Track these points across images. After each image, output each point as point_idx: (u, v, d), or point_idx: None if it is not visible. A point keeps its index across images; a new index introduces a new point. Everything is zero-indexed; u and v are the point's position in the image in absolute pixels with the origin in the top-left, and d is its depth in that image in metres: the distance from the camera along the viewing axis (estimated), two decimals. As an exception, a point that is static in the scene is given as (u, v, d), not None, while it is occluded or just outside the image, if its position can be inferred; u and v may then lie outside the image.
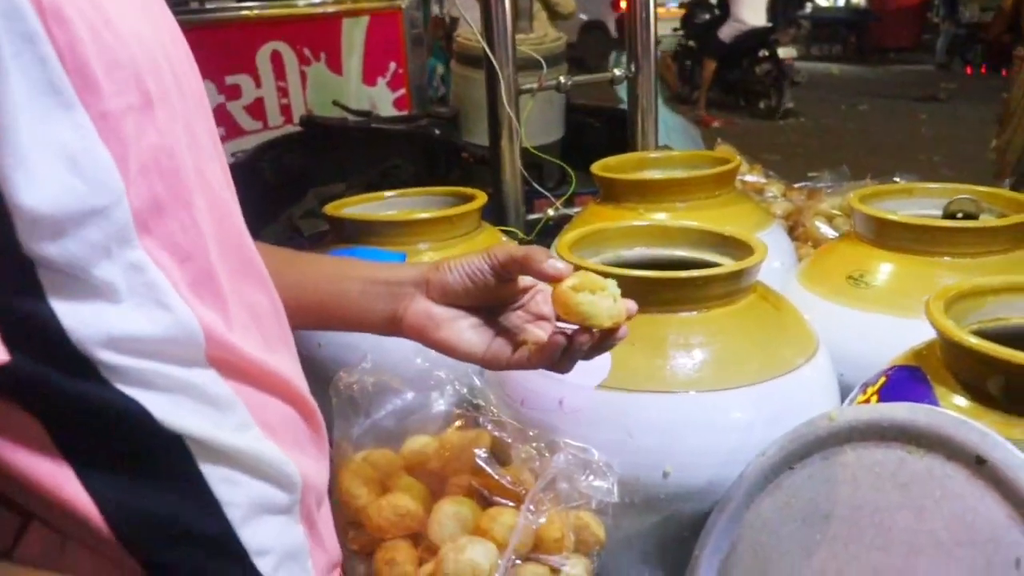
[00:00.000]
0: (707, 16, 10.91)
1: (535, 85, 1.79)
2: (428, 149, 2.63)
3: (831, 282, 1.16)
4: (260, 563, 0.57)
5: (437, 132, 2.64)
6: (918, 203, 1.26)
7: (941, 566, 0.68)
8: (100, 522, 0.49)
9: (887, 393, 0.83)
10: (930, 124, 9.27)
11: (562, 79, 1.85)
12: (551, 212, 1.83)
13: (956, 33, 14.44)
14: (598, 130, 2.80)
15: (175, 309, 0.49)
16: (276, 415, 0.59)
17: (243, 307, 0.56)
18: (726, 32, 9.73)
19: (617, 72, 1.90)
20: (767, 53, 9.72)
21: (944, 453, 0.71)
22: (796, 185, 1.98)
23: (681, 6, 13.51)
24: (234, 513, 0.55)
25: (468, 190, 1.34)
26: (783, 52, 9.68)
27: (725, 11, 9.93)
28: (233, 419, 0.54)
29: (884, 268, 1.12)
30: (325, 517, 0.70)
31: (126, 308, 0.46)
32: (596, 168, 1.42)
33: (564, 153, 2.43)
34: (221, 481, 0.54)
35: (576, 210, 1.73)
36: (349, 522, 0.90)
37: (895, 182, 1.63)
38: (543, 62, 1.85)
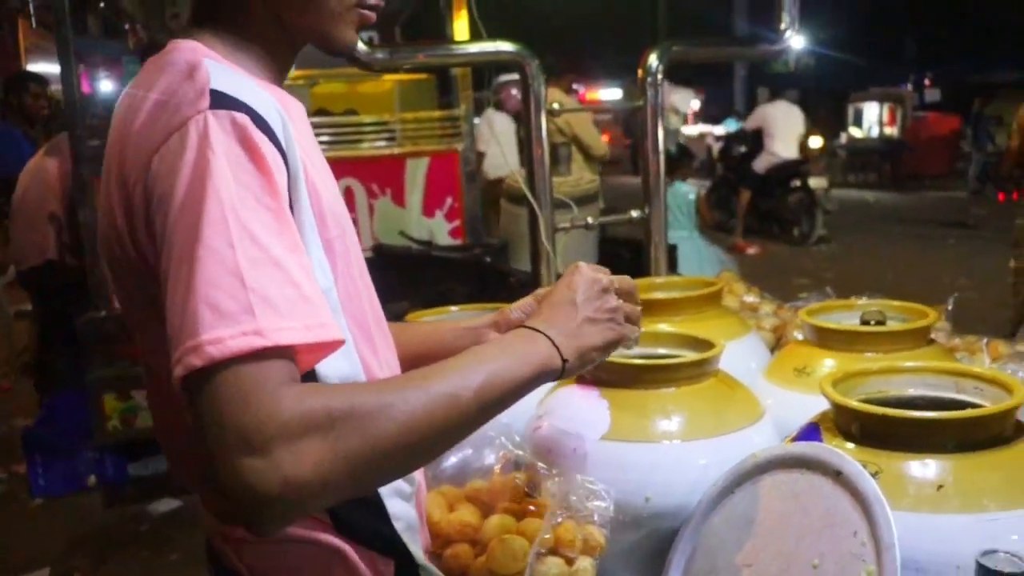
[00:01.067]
0: (742, 149, 11.42)
1: (568, 224, 2.23)
2: (480, 273, 3.09)
3: (784, 374, 1.56)
4: (396, 524, 0.99)
5: (488, 259, 3.10)
6: (855, 315, 1.65)
7: (816, 543, 1.04)
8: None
9: (797, 439, 1.21)
10: (957, 248, 9.61)
11: (590, 219, 2.30)
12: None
13: (987, 161, 14.86)
14: (626, 258, 3.25)
15: (353, 359, 0.92)
16: None
17: (384, 359, 0.99)
18: (760, 164, 10.20)
19: (634, 214, 2.34)
20: (799, 183, 10.16)
21: (820, 471, 1.09)
22: (786, 305, 2.37)
23: (718, 139, 14.19)
24: (383, 491, 0.97)
25: (513, 306, 1.76)
26: (814, 182, 10.10)
27: (759, 144, 10.41)
28: None
29: (821, 362, 1.51)
30: (423, 514, 1.11)
31: (333, 357, 0.89)
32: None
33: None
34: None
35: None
36: (428, 533, 1.29)
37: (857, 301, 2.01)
38: (573, 205, 2.31)
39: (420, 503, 1.11)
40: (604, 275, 1.08)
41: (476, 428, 0.93)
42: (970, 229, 10.98)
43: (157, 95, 0.87)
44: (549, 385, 1.49)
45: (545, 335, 1.00)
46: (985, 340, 1.81)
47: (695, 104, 19.69)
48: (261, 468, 0.72)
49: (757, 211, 10.56)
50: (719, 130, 17.45)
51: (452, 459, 1.37)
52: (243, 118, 0.83)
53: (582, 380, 1.41)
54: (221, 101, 0.83)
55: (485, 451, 1.38)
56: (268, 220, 0.80)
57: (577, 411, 1.36)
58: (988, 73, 19.18)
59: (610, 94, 20.87)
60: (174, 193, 0.80)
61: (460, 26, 3.68)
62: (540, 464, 1.29)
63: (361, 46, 1.88)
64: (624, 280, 1.10)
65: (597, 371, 1.39)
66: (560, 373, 1.01)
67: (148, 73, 0.92)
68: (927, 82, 22.77)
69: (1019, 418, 1.14)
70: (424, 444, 0.84)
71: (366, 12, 1.00)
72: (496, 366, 0.93)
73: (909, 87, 21.88)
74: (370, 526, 0.98)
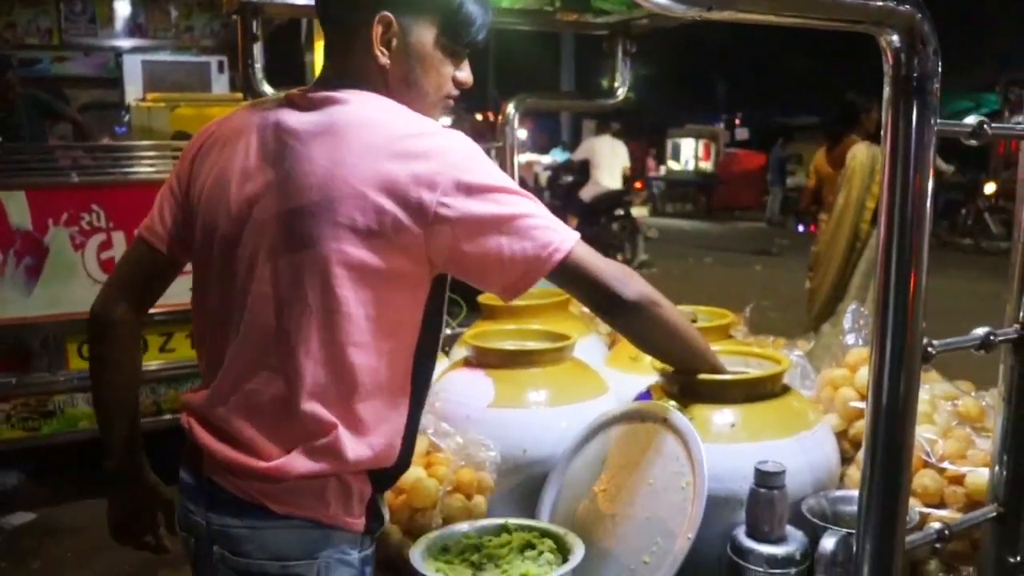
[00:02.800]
0: (569, 178, 12.05)
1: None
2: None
3: (621, 361, 2.00)
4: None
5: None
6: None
7: (650, 468, 1.47)
8: None
9: (635, 400, 1.64)
10: (763, 274, 10.62)
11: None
12: (448, 330, 2.62)
13: (785, 195, 16.33)
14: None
15: None
16: None
17: None
18: (586, 192, 10.84)
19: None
20: (622, 212, 10.89)
21: (652, 420, 1.51)
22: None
23: (546, 168, 14.87)
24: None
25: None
26: (636, 211, 10.85)
27: (585, 174, 11.03)
28: None
29: (650, 350, 1.96)
30: None
31: None
32: (481, 299, 2.23)
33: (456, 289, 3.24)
34: None
35: (463, 329, 2.52)
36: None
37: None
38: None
39: None
40: None
41: (682, 365, 1.54)
42: (774, 256, 12.13)
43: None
44: (444, 366, 1.87)
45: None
46: (772, 339, 2.32)
47: (522, 134, 20.46)
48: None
49: (583, 237, 11.12)
50: (546, 159, 18.19)
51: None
52: None
53: (468, 363, 1.80)
54: None
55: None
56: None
57: (468, 387, 1.74)
58: (790, 116, 21.00)
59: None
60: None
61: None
62: (444, 424, 1.66)
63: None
64: None
65: (480, 356, 1.78)
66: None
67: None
68: (737, 121, 24.61)
69: (785, 382, 1.62)
70: (681, 339, 1.48)
71: (450, 101, 1.42)
72: (709, 348, 1.57)
73: (721, 125, 23.60)
74: (390, 455, 1.33)
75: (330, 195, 1.23)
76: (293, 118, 1.30)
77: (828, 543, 1.29)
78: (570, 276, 1.32)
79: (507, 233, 1.26)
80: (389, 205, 1.22)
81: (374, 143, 1.24)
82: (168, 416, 3.97)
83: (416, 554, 1.40)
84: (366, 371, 1.28)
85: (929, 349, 1.12)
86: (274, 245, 1.27)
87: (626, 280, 1.35)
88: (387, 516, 1.42)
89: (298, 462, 1.27)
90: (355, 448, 1.28)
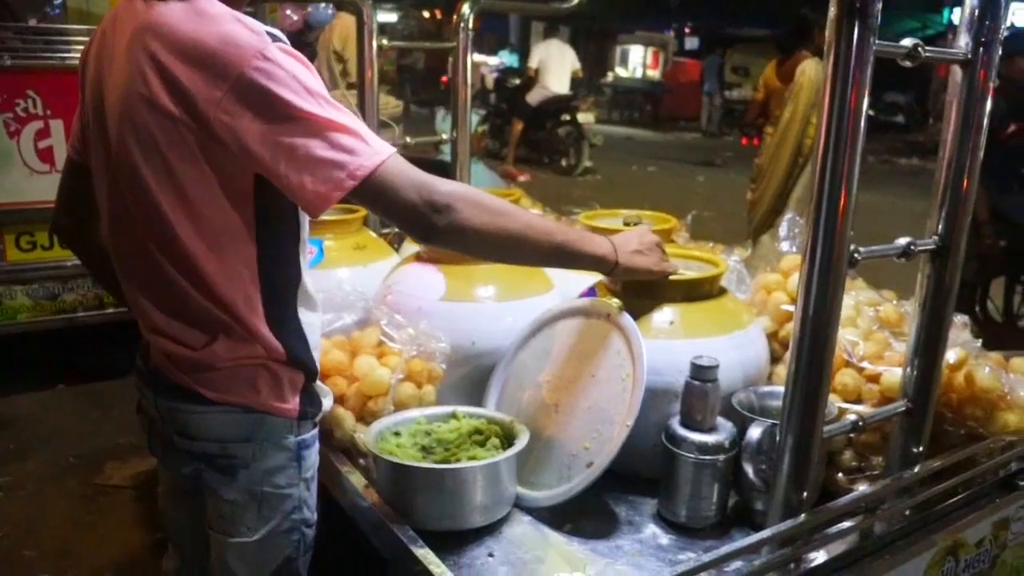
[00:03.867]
0: (517, 81, 11.94)
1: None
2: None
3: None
4: (314, 354, 1.39)
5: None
6: (619, 220, 2.18)
7: (593, 362, 1.55)
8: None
9: (581, 296, 1.71)
10: (706, 184, 10.74)
11: (408, 139, 2.70)
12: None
13: (729, 108, 16.38)
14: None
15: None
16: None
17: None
18: (533, 96, 10.77)
19: (444, 136, 2.77)
20: (569, 117, 10.86)
21: (596, 316, 1.59)
22: (564, 217, 2.91)
23: (492, 70, 14.68)
24: (305, 322, 1.38)
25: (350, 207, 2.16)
26: (582, 117, 10.83)
27: (533, 78, 10.95)
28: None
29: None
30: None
31: None
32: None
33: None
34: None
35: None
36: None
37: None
38: (395, 126, 2.70)
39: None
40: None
41: (539, 264, 1.60)
42: (718, 168, 12.25)
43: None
44: (390, 264, 1.92)
45: (611, 241, 1.51)
46: (711, 244, 2.41)
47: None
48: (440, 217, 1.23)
49: (528, 141, 11.17)
50: (493, 60, 17.90)
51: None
52: None
53: (420, 258, 1.86)
54: None
55: (344, 315, 1.79)
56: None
57: (419, 280, 1.80)
58: (741, 27, 20.89)
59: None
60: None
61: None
62: (397, 316, 1.72)
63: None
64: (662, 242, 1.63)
65: (431, 253, 1.84)
66: (611, 270, 1.50)
67: None
68: (687, 30, 24.38)
69: (722, 284, 1.71)
70: (513, 247, 1.34)
71: None
72: (575, 237, 1.45)
73: (671, 34, 23.38)
74: (295, 348, 1.37)
75: (145, 94, 1.22)
76: (153, 11, 1.25)
77: (755, 432, 1.40)
78: (373, 198, 1.22)
79: (305, 144, 1.18)
80: (186, 104, 1.20)
81: (179, 40, 1.21)
82: (111, 310, 3.96)
83: (370, 437, 1.48)
84: (217, 268, 1.29)
85: (855, 255, 1.21)
86: (123, 141, 1.27)
87: (435, 203, 1.22)
88: (327, 403, 1.49)
89: (220, 351, 1.32)
90: (265, 339, 1.33)
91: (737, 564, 1.22)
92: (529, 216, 1.39)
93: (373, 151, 1.20)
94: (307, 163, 1.18)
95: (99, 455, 3.57)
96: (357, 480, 1.51)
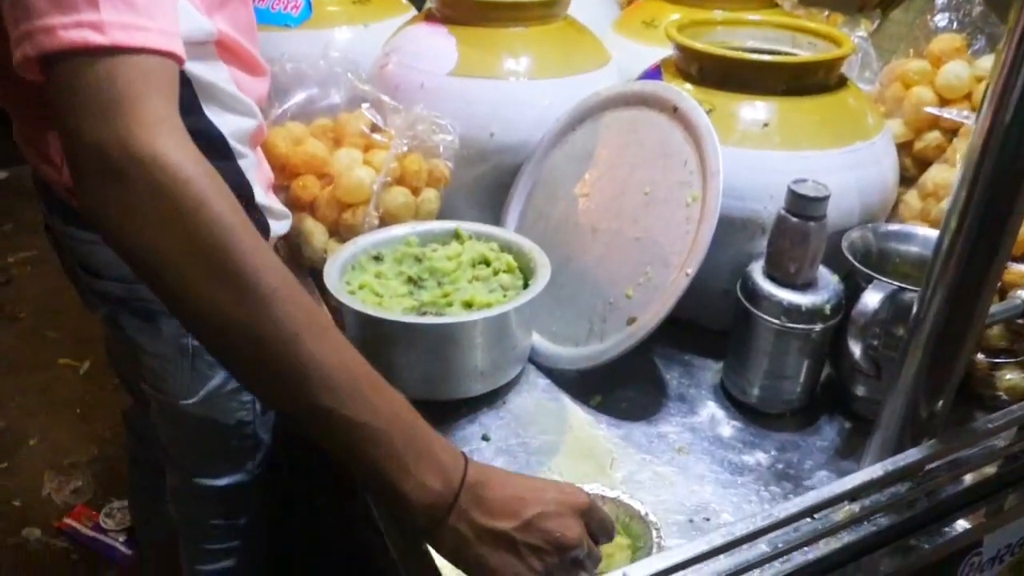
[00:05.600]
0: None
1: None
2: None
3: (632, 26, 1.57)
4: (241, 163, 0.98)
5: None
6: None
7: (649, 172, 1.11)
8: None
9: (639, 79, 1.24)
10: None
11: None
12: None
13: None
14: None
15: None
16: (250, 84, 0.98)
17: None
18: None
19: None
20: None
21: (657, 107, 1.13)
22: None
23: None
24: (226, 131, 0.95)
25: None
26: None
27: None
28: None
29: (669, 16, 1.53)
30: (261, 152, 1.10)
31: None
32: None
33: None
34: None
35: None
36: (274, 167, 1.28)
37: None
38: None
39: (258, 141, 1.10)
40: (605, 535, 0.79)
41: (271, 403, 0.77)
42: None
43: None
44: (397, 23, 1.45)
45: (463, 484, 0.70)
46: (826, 13, 1.85)
47: None
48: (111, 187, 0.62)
49: None
50: None
51: (297, 97, 1.34)
52: None
53: (430, 17, 1.38)
54: None
55: (331, 89, 1.35)
56: None
57: (425, 48, 1.33)
58: None
59: None
60: None
61: None
62: (386, 98, 1.28)
63: None
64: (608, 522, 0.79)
65: (444, 8, 1.36)
66: (422, 533, 0.70)
67: None
68: None
69: (844, 72, 1.21)
70: (217, 333, 0.65)
71: None
72: (391, 428, 0.68)
73: None
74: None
75: None
76: None
77: (873, 297, 0.96)
78: (57, 90, 0.64)
79: None
80: None
81: None
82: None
83: (334, 266, 1.08)
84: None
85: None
86: None
87: (111, 162, 0.62)
88: (280, 227, 1.10)
89: None
90: None
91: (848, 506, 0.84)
92: (313, 317, 0.67)
93: (129, 24, 0.64)
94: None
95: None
96: (320, 320, 1.14)
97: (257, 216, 1.04)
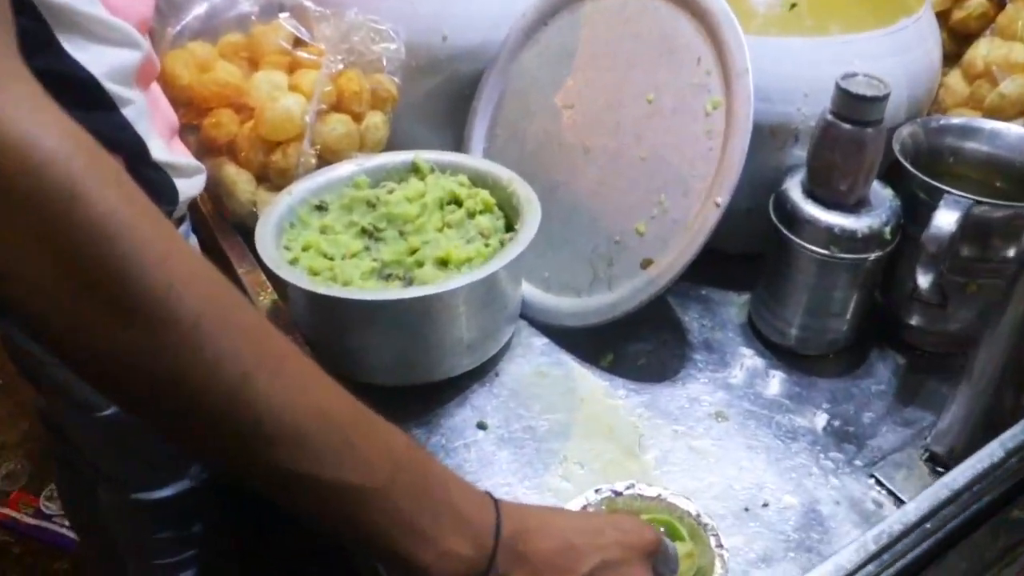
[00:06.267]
0: None
1: None
2: None
3: None
4: (126, 112, 0.73)
5: None
6: None
7: (651, 74, 0.89)
8: None
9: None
10: None
11: None
12: None
13: None
14: None
15: None
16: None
17: None
18: None
19: None
20: None
21: (654, -9, 0.91)
22: None
23: None
24: (97, 71, 0.70)
25: None
26: None
27: None
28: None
29: None
30: (157, 91, 0.85)
31: None
32: None
33: None
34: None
35: None
36: (177, 103, 1.03)
37: None
38: None
39: (149, 78, 0.85)
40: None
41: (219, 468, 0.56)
42: None
43: None
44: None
45: (498, 542, 0.52)
46: None
47: None
48: None
49: None
50: None
51: (196, 9, 1.07)
52: None
53: None
54: None
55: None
56: None
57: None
58: None
59: None
60: None
61: None
62: (309, 2, 1.02)
63: None
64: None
65: None
66: None
67: None
68: None
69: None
70: (150, 377, 0.43)
71: None
72: (377, 472, 0.49)
73: None
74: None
75: None
76: None
77: (947, 218, 0.78)
78: None
79: None
80: None
81: None
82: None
83: (268, 225, 0.86)
84: None
85: None
86: None
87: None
88: (191, 187, 0.87)
89: None
90: None
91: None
92: (264, 344, 0.47)
93: None
94: None
95: None
96: (264, 297, 0.92)
97: (157, 178, 0.80)
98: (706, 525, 0.71)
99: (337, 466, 0.47)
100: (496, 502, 0.54)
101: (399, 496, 0.49)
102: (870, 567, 0.58)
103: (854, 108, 0.77)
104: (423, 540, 0.50)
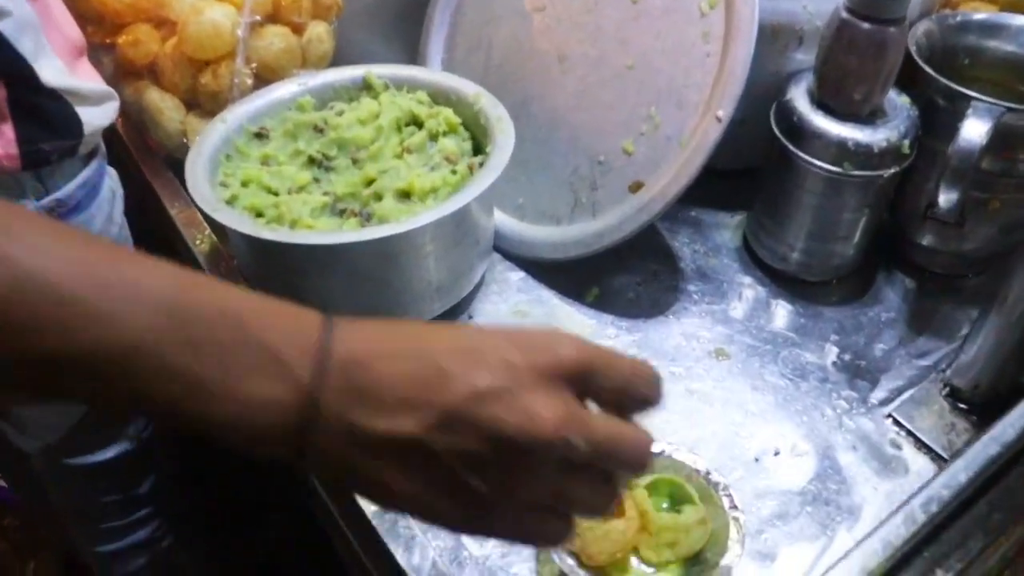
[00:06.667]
0: None
1: None
2: None
3: None
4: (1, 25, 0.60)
5: None
6: None
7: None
8: None
9: None
10: None
11: None
12: None
13: None
14: None
15: None
16: None
17: None
18: None
19: None
20: None
21: None
22: None
23: None
24: None
25: None
26: None
27: None
28: None
29: None
30: (53, 2, 0.72)
31: None
32: None
33: None
34: None
35: None
36: (85, 19, 0.89)
37: None
38: None
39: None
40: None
41: None
42: None
43: None
44: None
45: (324, 372, 0.39)
46: None
47: None
48: None
49: None
50: None
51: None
52: None
53: None
54: None
55: None
56: None
57: None
58: None
59: None
60: None
61: None
62: None
63: None
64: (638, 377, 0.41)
65: None
66: (291, 466, 0.40)
67: None
68: None
69: None
70: None
71: None
72: (135, 324, 0.37)
73: None
74: None
75: None
76: None
77: (976, 129, 0.69)
78: None
79: None
80: None
81: None
82: None
83: (200, 160, 0.74)
84: None
85: None
86: None
87: None
88: (98, 117, 0.74)
89: None
90: None
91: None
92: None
93: None
94: None
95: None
96: (202, 240, 0.81)
97: (51, 107, 0.67)
98: (717, 484, 0.63)
99: (84, 332, 0.36)
100: (329, 324, 0.41)
101: (169, 349, 0.37)
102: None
103: (874, 3, 0.67)
104: (210, 394, 0.38)
